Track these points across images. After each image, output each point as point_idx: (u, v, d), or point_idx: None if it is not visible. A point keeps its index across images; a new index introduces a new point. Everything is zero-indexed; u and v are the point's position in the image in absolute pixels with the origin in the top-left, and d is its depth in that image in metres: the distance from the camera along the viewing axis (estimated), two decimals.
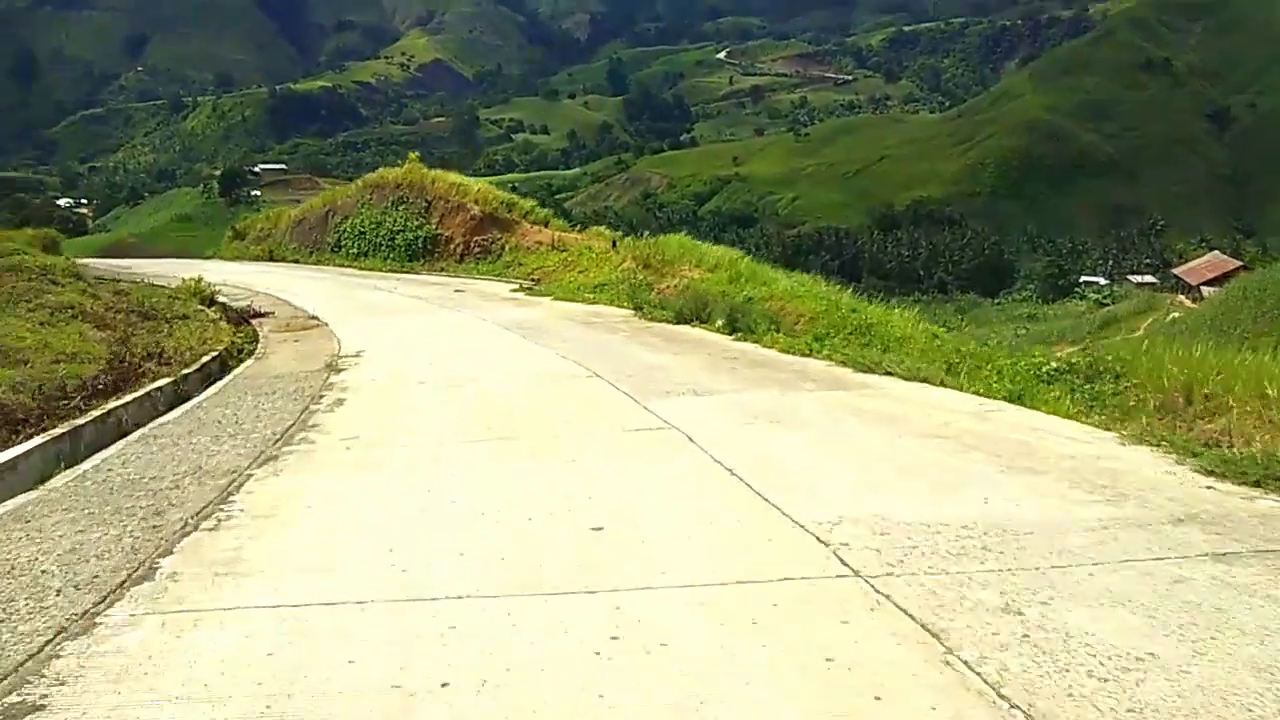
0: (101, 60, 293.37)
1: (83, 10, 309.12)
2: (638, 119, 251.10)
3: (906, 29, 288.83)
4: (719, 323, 14.67)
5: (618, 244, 28.57)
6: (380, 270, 33.28)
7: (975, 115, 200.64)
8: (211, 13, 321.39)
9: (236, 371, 12.24)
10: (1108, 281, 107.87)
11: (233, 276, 31.34)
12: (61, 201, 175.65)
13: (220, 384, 11.14)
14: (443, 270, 31.99)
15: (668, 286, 23.24)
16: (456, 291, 24.50)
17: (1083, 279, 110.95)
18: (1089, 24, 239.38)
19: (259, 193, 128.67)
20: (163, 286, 25.15)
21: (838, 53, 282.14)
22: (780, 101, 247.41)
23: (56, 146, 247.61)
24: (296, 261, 38.61)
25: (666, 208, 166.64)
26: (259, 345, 15.65)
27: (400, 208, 35.13)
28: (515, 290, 24.63)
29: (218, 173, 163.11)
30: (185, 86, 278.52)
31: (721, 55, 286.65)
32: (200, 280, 22.75)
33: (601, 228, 31.79)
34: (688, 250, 25.93)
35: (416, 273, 32.13)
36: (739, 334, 13.10)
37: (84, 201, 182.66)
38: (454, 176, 35.07)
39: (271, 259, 40.46)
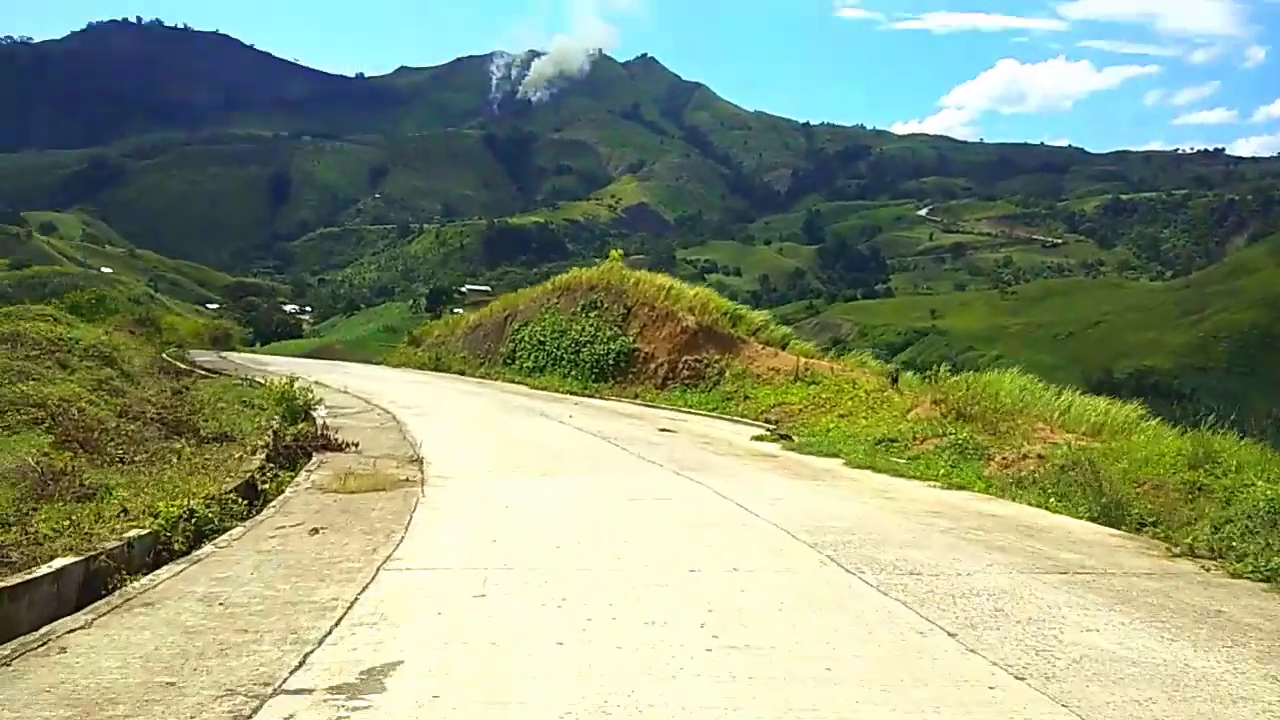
0: (345, 186, 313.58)
1: (336, 141, 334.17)
2: (831, 268, 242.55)
3: (1123, 197, 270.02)
4: None
5: (899, 380, 18.70)
6: (557, 390, 24.61)
7: (1206, 287, 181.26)
8: (448, 152, 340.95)
9: None
10: None
11: (368, 384, 23.34)
12: (288, 307, 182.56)
13: None
14: (637, 397, 22.98)
15: (1014, 455, 13.29)
16: (663, 431, 15.11)
17: None
18: None
19: (461, 310, 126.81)
20: (261, 386, 17.45)
21: (1047, 216, 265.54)
22: (983, 259, 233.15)
23: (294, 258, 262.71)
24: (462, 373, 30.71)
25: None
26: (240, 527, 6.58)
27: (591, 314, 26.62)
28: (761, 439, 14.98)
29: (427, 290, 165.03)
30: (415, 214, 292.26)
31: (923, 212, 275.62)
32: (293, 384, 14.50)
33: (866, 356, 22.00)
34: (1035, 398, 15.89)
35: (603, 397, 23.25)
36: None
37: (308, 309, 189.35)
38: (663, 279, 26.37)
39: (437, 368, 32.86)
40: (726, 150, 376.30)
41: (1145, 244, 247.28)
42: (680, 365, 23.09)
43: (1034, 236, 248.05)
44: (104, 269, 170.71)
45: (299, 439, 11.54)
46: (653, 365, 23.80)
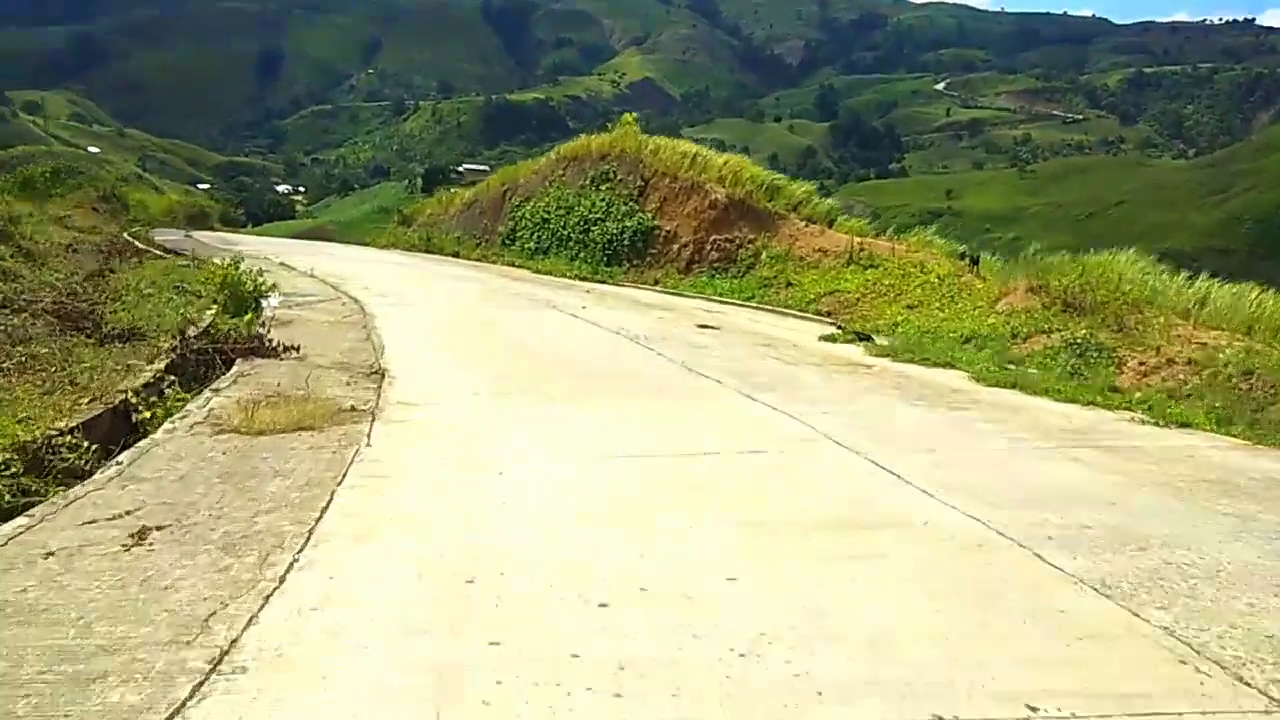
0: (338, 61, 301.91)
1: (328, 14, 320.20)
2: (844, 146, 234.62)
3: (1147, 71, 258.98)
4: None
5: (979, 262, 15.49)
6: (564, 274, 21.40)
7: (1230, 166, 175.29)
8: (442, 25, 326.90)
9: None
10: None
11: (344, 266, 20.13)
12: (280, 188, 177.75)
13: None
14: (657, 283, 19.81)
15: (1154, 359, 10.49)
16: (703, 328, 11.97)
17: None
18: None
19: (458, 190, 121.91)
20: (213, 265, 14.38)
21: (1068, 90, 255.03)
22: (1001, 136, 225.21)
23: (286, 137, 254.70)
24: (456, 254, 27.44)
25: None
26: (26, 515, 2.95)
27: (602, 187, 23.20)
28: (832, 339, 11.83)
29: (423, 170, 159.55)
30: (410, 91, 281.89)
31: (940, 86, 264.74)
32: (237, 266, 11.38)
33: (929, 233, 18.71)
34: (1162, 286, 12.91)
35: (618, 282, 20.05)
36: None
37: (301, 190, 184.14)
38: (686, 145, 22.87)
39: (428, 249, 29.56)
40: (736, 20, 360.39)
41: (1168, 121, 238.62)
42: (708, 246, 19.84)
43: (1054, 112, 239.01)
44: (91, 148, 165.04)
45: (219, 340, 8.46)
46: (675, 246, 20.54)
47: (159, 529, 3.84)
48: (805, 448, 5.86)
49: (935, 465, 5.35)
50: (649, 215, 21.38)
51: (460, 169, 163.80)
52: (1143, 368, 10.73)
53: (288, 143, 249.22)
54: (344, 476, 4.75)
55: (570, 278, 20.85)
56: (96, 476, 4.75)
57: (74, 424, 5.75)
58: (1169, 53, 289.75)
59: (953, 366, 9.62)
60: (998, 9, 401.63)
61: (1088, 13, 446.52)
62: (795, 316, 14.61)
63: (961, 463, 5.52)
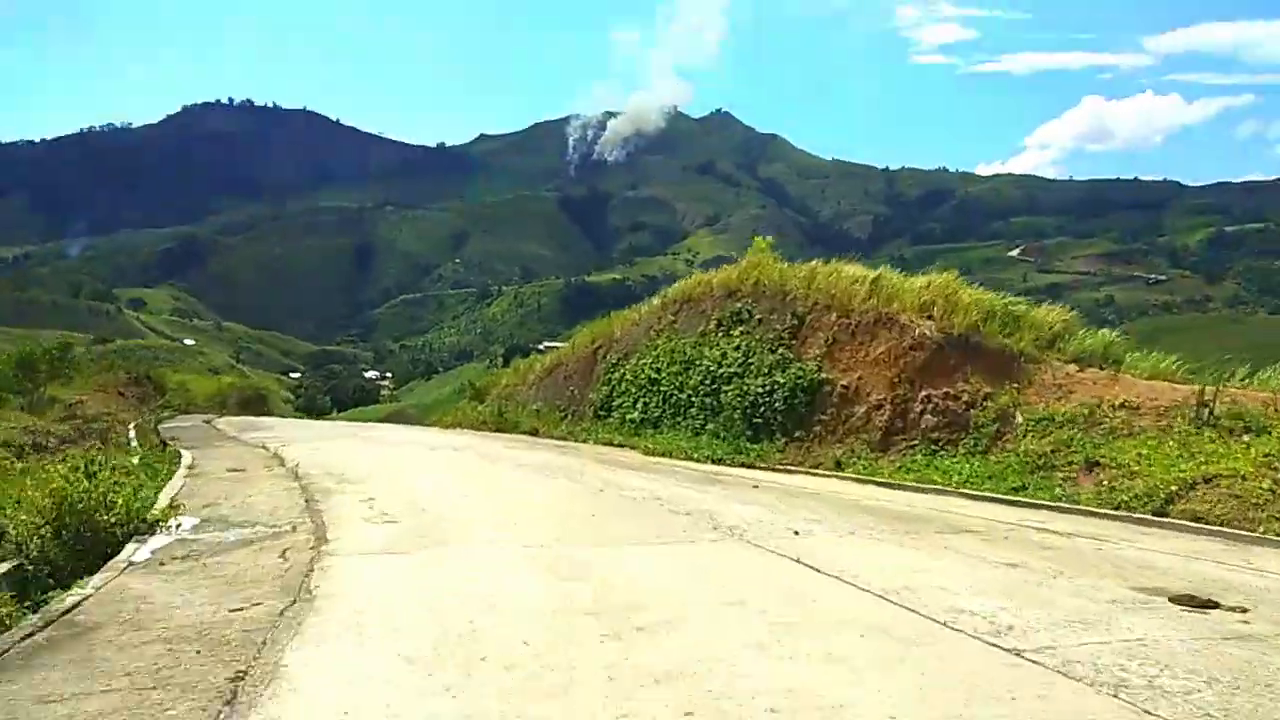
0: (427, 253, 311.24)
1: (418, 210, 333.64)
2: None
3: (1229, 229, 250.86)
4: None
5: None
6: (689, 456, 14.21)
7: None
8: (524, 216, 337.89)
9: None
10: None
11: (372, 458, 13.02)
12: (369, 374, 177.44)
13: None
14: (839, 464, 12.48)
15: None
16: (1198, 605, 4.63)
17: None
18: None
19: (536, 356, 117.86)
20: (55, 473, 7.40)
21: (1148, 252, 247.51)
22: (1083, 299, 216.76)
23: (377, 326, 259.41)
24: (534, 431, 20.61)
25: None
26: None
27: (735, 331, 16.26)
28: None
29: (504, 350, 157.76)
30: (493, 277, 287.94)
31: (1014, 253, 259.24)
32: (92, 472, 3.82)
33: None
34: None
35: (776, 465, 12.73)
36: None
37: (388, 375, 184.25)
38: (855, 269, 16.02)
39: (499, 427, 22.84)
40: (804, 199, 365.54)
41: (1255, 277, 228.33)
42: (916, 405, 12.64)
43: (1135, 274, 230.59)
44: (187, 341, 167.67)
45: None
46: (861, 408, 13.36)
47: None
48: None
49: None
50: (811, 365, 14.40)
51: (540, 346, 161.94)
52: None
53: (378, 331, 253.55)
54: None
55: (701, 460, 13.75)
56: None
57: None
58: (1247, 212, 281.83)
59: None
60: (1066, 178, 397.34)
61: (1159, 176, 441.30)
62: (1205, 534, 7.21)
63: None
